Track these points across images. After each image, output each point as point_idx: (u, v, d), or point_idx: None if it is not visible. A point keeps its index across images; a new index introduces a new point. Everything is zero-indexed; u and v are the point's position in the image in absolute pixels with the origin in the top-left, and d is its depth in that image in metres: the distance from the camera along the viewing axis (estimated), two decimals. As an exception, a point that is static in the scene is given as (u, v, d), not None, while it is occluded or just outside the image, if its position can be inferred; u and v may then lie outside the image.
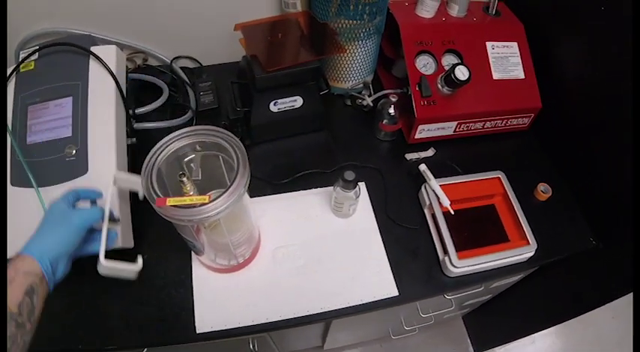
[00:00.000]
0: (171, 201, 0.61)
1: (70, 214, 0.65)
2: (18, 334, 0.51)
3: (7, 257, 0.59)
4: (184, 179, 0.65)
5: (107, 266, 0.67)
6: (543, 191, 1.01)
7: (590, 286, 1.08)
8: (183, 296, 0.85)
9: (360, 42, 1.01)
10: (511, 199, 0.95)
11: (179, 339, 0.82)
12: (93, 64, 0.89)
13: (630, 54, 0.83)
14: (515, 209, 0.94)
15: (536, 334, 1.79)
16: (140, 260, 0.72)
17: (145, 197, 0.67)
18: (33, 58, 0.90)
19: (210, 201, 0.61)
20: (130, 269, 0.70)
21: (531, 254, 0.91)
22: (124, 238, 0.84)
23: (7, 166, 0.82)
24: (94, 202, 0.74)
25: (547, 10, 1.07)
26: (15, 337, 0.51)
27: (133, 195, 0.89)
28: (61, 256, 0.62)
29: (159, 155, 0.66)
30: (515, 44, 1.08)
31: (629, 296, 0.92)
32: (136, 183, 0.76)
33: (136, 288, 0.82)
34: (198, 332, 0.81)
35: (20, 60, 0.89)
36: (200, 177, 0.71)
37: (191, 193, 0.66)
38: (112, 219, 0.73)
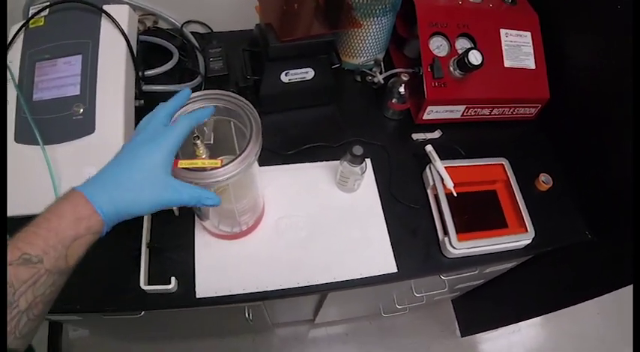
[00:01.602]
0: (183, 163, 0.59)
1: (170, 191, 0.55)
2: (62, 283, 0.51)
3: (76, 190, 0.52)
4: (198, 142, 0.63)
5: (148, 289, 0.78)
6: (544, 181, 1.02)
7: (580, 279, 1.09)
8: (185, 261, 0.85)
9: (376, 18, 1.00)
10: (513, 186, 0.96)
11: (179, 303, 0.82)
12: (104, 23, 0.88)
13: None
14: (516, 196, 0.95)
15: (522, 323, 1.84)
16: (173, 282, 0.79)
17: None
18: (43, 13, 0.89)
19: (222, 166, 0.61)
20: (167, 289, 0.79)
21: (528, 241, 0.92)
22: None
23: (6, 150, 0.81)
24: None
25: (562, 3, 1.06)
26: (59, 287, 0.51)
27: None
28: (127, 218, 0.55)
29: None
30: (528, 34, 1.07)
31: (615, 294, 0.94)
32: None
33: (137, 251, 0.83)
34: (198, 297, 0.82)
35: (30, 15, 0.88)
36: (212, 141, 0.71)
37: (203, 156, 0.64)
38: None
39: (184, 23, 1.15)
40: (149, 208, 0.54)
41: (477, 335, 1.83)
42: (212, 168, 0.61)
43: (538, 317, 1.57)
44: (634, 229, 0.86)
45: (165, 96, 0.99)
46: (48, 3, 0.89)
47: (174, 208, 0.87)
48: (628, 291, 0.89)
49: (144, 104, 0.94)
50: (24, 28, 0.87)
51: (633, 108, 0.84)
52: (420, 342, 1.84)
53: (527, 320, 1.52)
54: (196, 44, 1.13)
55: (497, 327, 1.58)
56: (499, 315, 1.53)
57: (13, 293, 0.44)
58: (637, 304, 0.85)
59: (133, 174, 0.53)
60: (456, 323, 1.89)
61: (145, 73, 1.00)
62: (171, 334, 1.56)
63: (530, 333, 1.90)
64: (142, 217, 0.85)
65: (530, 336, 1.90)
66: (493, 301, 1.55)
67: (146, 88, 0.98)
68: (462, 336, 1.86)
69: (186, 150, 0.66)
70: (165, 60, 1.05)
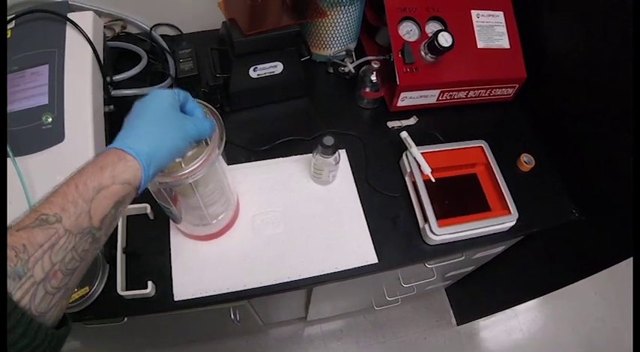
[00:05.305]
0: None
1: (188, 121, 0.54)
2: (90, 249, 0.44)
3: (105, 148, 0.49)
4: None
5: (126, 294, 0.77)
6: (526, 162, 1.01)
7: (573, 258, 1.09)
8: (161, 265, 0.84)
9: (343, 7, 0.99)
10: (493, 169, 0.95)
11: (157, 308, 0.81)
12: (69, 31, 0.87)
13: (618, 26, 0.82)
14: (497, 178, 0.94)
15: (518, 308, 1.83)
16: (150, 286, 0.79)
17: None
18: (9, 26, 0.88)
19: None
20: (144, 293, 0.78)
21: (512, 223, 0.91)
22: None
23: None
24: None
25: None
26: (86, 253, 0.44)
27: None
28: (164, 167, 0.52)
29: None
30: (501, 14, 1.06)
31: (613, 273, 0.93)
32: (140, 208, 0.86)
33: (114, 257, 0.82)
34: (176, 300, 0.81)
35: (-3, 28, 0.87)
36: None
37: (75, 290, 0.73)
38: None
39: (153, 26, 1.14)
40: (182, 142, 0.53)
41: (473, 323, 1.82)
42: (81, 296, 0.76)
43: (534, 301, 1.56)
44: (633, 204, 0.85)
45: (138, 99, 0.99)
46: (14, 15, 0.88)
47: (149, 212, 0.86)
48: (623, 269, 0.88)
49: (114, 109, 0.93)
50: (-9, 41, 0.87)
51: (631, 84, 0.82)
52: (416, 334, 1.83)
53: (523, 305, 1.51)
54: (166, 46, 1.11)
55: (493, 313, 1.57)
56: (494, 301, 1.52)
57: (27, 261, 0.37)
58: (637, 289, 0.83)
59: (152, 113, 0.52)
60: (451, 312, 1.88)
61: (114, 77, 0.99)
62: (162, 340, 1.55)
63: (527, 318, 1.89)
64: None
65: (527, 321, 1.89)
66: (487, 287, 1.53)
67: (116, 92, 0.97)
68: (457, 325, 1.85)
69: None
70: (135, 65, 1.03)
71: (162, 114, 0.52)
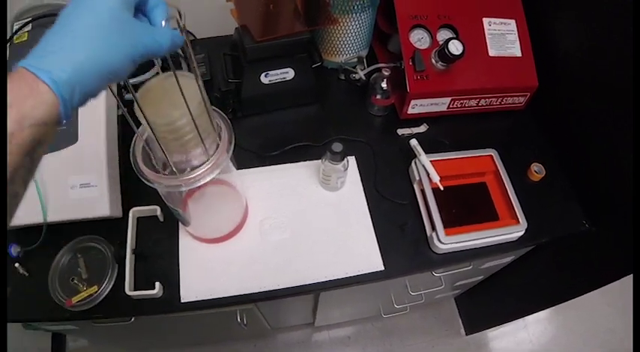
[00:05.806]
0: (74, 299, 0.78)
1: (140, 30, 0.40)
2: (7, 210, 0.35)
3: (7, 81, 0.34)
4: (76, 281, 0.80)
5: (134, 294, 0.79)
6: (537, 171, 1.00)
7: (583, 270, 1.07)
8: (170, 266, 0.85)
9: (354, 15, 0.99)
10: (503, 178, 0.94)
11: (164, 309, 0.82)
12: (84, 34, 0.89)
13: (631, 32, 0.81)
14: (507, 187, 0.93)
15: (528, 319, 1.81)
16: (158, 286, 0.80)
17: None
18: (26, 29, 0.90)
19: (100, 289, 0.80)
20: (152, 294, 0.80)
21: (521, 233, 0.90)
22: (112, 207, 0.84)
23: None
24: None
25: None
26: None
27: (122, 165, 0.89)
28: (95, 93, 0.39)
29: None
30: (512, 21, 1.06)
31: (623, 283, 0.92)
32: (151, 210, 0.88)
33: (123, 258, 0.83)
34: (183, 301, 0.81)
35: (14, 31, 0.89)
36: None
37: (84, 288, 0.79)
38: None
39: (167, 31, 1.15)
40: (125, 58, 0.39)
41: (483, 333, 1.80)
42: (90, 294, 0.79)
43: (544, 312, 1.54)
44: (633, 216, 0.84)
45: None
46: (30, 18, 0.90)
47: (158, 214, 0.87)
48: (632, 280, 0.87)
49: (128, 111, 0.94)
50: (9, 44, 0.89)
51: (633, 91, 0.82)
52: (425, 343, 1.81)
53: (533, 316, 1.48)
54: (179, 51, 1.13)
55: (502, 323, 1.55)
56: (504, 311, 1.50)
57: None
58: (637, 294, 0.82)
59: (87, 15, 0.37)
60: (460, 322, 1.86)
61: (127, 81, 1.01)
62: (170, 341, 1.55)
63: (537, 329, 1.87)
64: (127, 224, 0.85)
65: (537, 332, 1.86)
66: (496, 297, 1.52)
67: (129, 96, 0.99)
68: (466, 334, 1.83)
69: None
70: (149, 68, 1.05)
71: (103, 18, 0.37)
